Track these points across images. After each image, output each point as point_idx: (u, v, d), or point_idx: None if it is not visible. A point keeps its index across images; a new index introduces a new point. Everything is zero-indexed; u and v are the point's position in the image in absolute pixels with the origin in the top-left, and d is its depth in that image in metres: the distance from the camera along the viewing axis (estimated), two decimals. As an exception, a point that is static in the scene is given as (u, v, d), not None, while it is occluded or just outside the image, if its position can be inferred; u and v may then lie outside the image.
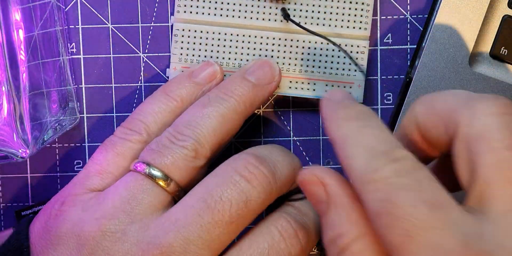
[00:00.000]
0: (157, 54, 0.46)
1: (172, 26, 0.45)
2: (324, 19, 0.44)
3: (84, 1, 0.46)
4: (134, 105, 0.46)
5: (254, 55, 0.45)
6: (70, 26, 0.46)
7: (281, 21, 0.44)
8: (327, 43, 0.45)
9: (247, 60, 0.45)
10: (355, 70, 0.45)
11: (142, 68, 0.46)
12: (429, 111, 0.34)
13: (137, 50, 0.46)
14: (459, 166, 0.32)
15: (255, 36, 0.44)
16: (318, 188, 0.34)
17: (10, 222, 0.47)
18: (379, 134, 0.33)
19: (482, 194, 0.31)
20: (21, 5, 0.40)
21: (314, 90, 0.45)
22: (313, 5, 0.44)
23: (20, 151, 0.39)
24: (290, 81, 0.45)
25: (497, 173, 0.30)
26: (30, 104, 0.40)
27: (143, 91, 0.46)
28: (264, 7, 0.44)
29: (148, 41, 0.46)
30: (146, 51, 0.46)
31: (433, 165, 0.37)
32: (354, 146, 0.32)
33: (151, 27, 0.46)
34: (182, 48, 0.45)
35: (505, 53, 0.44)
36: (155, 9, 0.46)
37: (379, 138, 0.32)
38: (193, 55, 0.45)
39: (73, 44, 0.46)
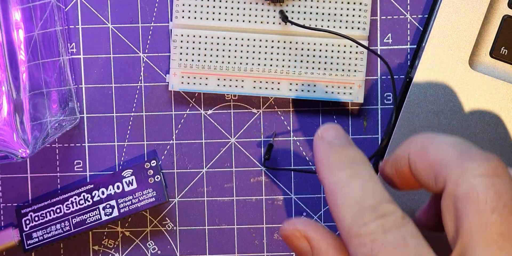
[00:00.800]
0: (157, 54, 0.46)
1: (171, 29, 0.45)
2: (322, 20, 0.44)
3: (84, 1, 0.46)
4: (134, 105, 0.46)
5: (253, 58, 0.45)
6: (70, 26, 0.46)
7: (279, 23, 0.44)
8: (326, 44, 0.45)
9: (247, 64, 0.45)
10: (355, 71, 0.45)
11: (142, 68, 0.46)
12: (422, 156, 0.35)
13: (137, 50, 0.46)
14: (445, 221, 0.33)
15: (254, 40, 0.44)
16: (302, 242, 0.35)
17: (10, 221, 0.47)
18: (368, 185, 0.34)
19: (463, 253, 0.32)
20: (21, 5, 0.40)
21: (314, 91, 0.45)
22: (311, 7, 0.44)
23: (20, 151, 0.39)
24: (291, 84, 0.45)
25: (479, 234, 0.31)
26: (30, 104, 0.40)
27: (143, 91, 0.46)
28: (262, 10, 0.44)
29: (148, 41, 0.46)
30: (146, 51, 0.46)
31: (427, 204, 0.38)
32: (343, 197, 0.33)
33: (151, 27, 0.46)
34: (181, 53, 0.45)
35: (505, 53, 0.44)
36: (155, 9, 0.46)
37: (368, 190, 0.33)
38: (193, 60, 0.45)
39: (73, 44, 0.46)
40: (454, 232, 0.32)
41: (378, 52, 0.46)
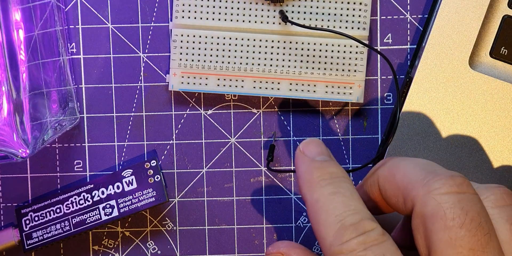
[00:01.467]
0: (157, 54, 0.46)
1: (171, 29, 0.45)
2: (322, 20, 0.44)
3: (84, 1, 0.46)
4: (134, 105, 0.46)
5: (253, 58, 0.45)
6: (70, 26, 0.46)
7: (279, 23, 0.44)
8: (326, 44, 0.45)
9: (247, 64, 0.45)
10: (355, 71, 0.45)
11: (142, 68, 0.46)
12: (390, 180, 0.36)
13: (137, 50, 0.46)
14: (417, 240, 0.34)
15: (254, 40, 0.44)
16: None
17: (10, 221, 0.47)
18: (349, 202, 0.35)
19: None
20: (21, 5, 0.40)
21: (314, 91, 0.45)
22: (311, 7, 0.44)
23: (20, 151, 0.39)
24: (290, 83, 0.45)
25: (450, 250, 0.32)
26: (30, 104, 0.40)
27: (143, 91, 0.46)
28: (262, 10, 0.44)
29: (148, 41, 0.46)
30: (146, 51, 0.46)
31: (400, 224, 0.39)
32: (325, 214, 0.34)
33: (151, 27, 0.46)
34: (181, 53, 0.45)
35: (505, 53, 0.44)
36: (155, 9, 0.46)
37: (349, 207, 0.34)
38: (193, 60, 0.45)
39: (73, 44, 0.46)
40: (426, 250, 0.33)
41: (378, 52, 0.46)
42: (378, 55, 0.46)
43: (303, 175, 0.37)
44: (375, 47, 0.46)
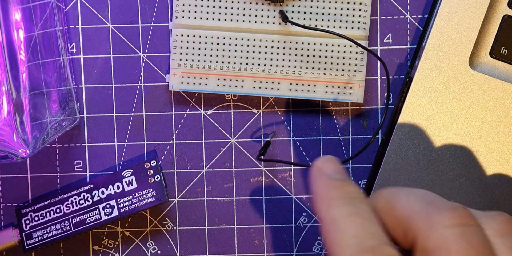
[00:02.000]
0: (157, 54, 0.46)
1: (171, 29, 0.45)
2: (322, 20, 0.44)
3: (84, 1, 0.46)
4: (134, 105, 0.46)
5: (253, 58, 0.45)
6: (70, 26, 0.46)
7: (279, 23, 0.44)
8: (326, 44, 0.45)
9: (247, 64, 0.45)
10: (355, 71, 0.45)
11: (142, 68, 0.46)
12: (389, 213, 0.35)
13: (137, 50, 0.46)
14: None
15: (254, 40, 0.44)
16: None
17: (10, 221, 0.47)
18: (368, 225, 0.34)
19: None
20: (21, 5, 0.40)
21: (314, 91, 0.45)
22: (311, 7, 0.44)
23: (20, 151, 0.39)
24: (291, 83, 0.45)
25: None
26: (30, 104, 0.40)
27: (143, 91, 0.46)
28: (262, 10, 0.44)
29: (148, 41, 0.46)
30: (146, 51, 0.46)
31: None
32: (343, 234, 0.34)
33: (151, 27, 0.46)
34: (181, 53, 0.45)
35: (505, 53, 0.44)
36: (155, 9, 0.46)
37: (368, 230, 0.34)
38: (193, 60, 0.45)
39: (73, 44, 0.46)
40: None
41: (378, 52, 0.46)
42: (378, 55, 0.46)
43: (320, 192, 0.36)
44: (375, 47, 0.46)
